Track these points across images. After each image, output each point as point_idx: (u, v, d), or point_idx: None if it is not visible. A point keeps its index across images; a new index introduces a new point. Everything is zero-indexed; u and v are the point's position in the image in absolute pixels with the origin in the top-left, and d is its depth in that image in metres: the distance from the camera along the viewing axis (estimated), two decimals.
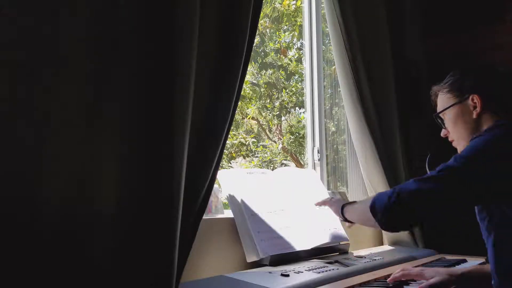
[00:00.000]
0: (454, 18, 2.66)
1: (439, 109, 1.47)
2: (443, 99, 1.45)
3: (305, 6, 2.31)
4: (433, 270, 1.40)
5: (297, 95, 5.85)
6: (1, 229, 0.81)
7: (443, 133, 1.47)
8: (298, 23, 5.40)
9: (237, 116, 5.47)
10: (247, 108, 5.57)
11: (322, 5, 2.28)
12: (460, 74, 1.44)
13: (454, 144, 1.44)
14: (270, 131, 6.19)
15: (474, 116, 1.35)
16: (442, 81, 1.48)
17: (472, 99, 1.36)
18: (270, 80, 5.71)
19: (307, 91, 2.28)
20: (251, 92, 5.50)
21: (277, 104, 5.76)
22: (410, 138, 2.27)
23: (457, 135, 1.40)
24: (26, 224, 0.84)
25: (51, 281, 0.86)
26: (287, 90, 5.85)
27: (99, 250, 0.93)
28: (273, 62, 5.78)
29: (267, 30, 5.66)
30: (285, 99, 5.75)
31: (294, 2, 5.29)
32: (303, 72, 5.48)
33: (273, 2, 5.24)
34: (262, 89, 5.68)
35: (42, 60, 0.88)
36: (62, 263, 0.87)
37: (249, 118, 5.81)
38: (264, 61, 5.65)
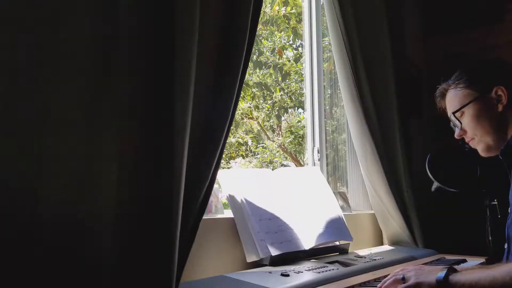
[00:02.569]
0: (454, 18, 2.66)
1: (455, 107, 1.37)
2: (459, 96, 1.36)
3: (305, 5, 2.31)
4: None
5: (296, 95, 5.85)
6: (1, 229, 0.81)
7: (457, 133, 1.39)
8: (292, 25, 5.43)
9: (237, 116, 5.48)
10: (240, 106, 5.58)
11: (322, 5, 2.28)
12: (476, 68, 1.37)
13: (473, 143, 1.37)
14: (273, 131, 6.20)
15: (500, 109, 1.29)
16: (448, 80, 1.41)
17: (496, 92, 1.29)
18: (262, 81, 5.72)
19: (307, 91, 2.28)
20: (242, 91, 5.50)
21: (270, 104, 5.77)
22: (410, 138, 2.27)
23: (480, 132, 1.33)
24: (26, 224, 0.84)
25: (51, 281, 0.86)
26: (285, 91, 5.86)
27: (99, 250, 0.93)
28: (267, 61, 5.79)
29: (262, 32, 5.69)
30: (280, 99, 5.76)
31: (284, 8, 5.33)
32: (302, 72, 5.50)
33: (263, 6, 5.27)
34: (255, 89, 5.70)
35: (42, 60, 0.88)
36: (62, 263, 0.87)
37: (246, 118, 5.81)
38: (258, 59, 5.66)
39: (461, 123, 1.37)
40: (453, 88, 1.38)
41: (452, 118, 1.39)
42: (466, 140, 1.39)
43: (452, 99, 1.39)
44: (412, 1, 2.66)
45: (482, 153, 1.37)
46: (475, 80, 1.34)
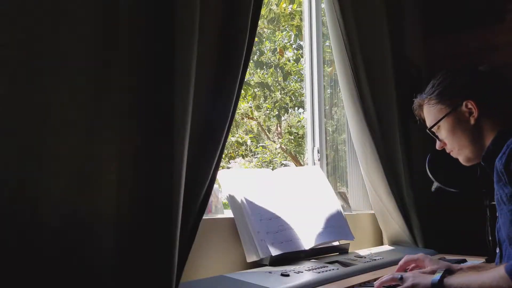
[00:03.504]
0: (454, 18, 2.66)
1: (430, 122, 1.40)
2: (432, 111, 1.39)
3: (305, 6, 2.31)
4: (432, 260, 1.40)
5: (296, 95, 5.86)
6: (1, 229, 0.81)
7: (438, 145, 1.41)
8: (296, 23, 5.43)
9: (237, 116, 5.48)
10: (241, 106, 5.58)
11: (322, 5, 2.28)
12: (446, 81, 1.38)
13: (453, 154, 1.39)
14: (269, 131, 6.20)
15: (472, 122, 1.30)
16: (423, 92, 1.43)
17: (466, 105, 1.31)
18: (263, 80, 5.73)
19: (307, 91, 2.28)
20: (242, 91, 5.50)
21: (270, 104, 5.77)
22: (410, 138, 2.27)
23: (458, 145, 1.35)
24: (26, 224, 0.84)
25: (51, 281, 0.86)
26: (285, 91, 5.86)
27: (99, 250, 0.93)
28: (269, 61, 5.79)
29: (265, 30, 5.69)
30: (280, 99, 5.76)
31: (290, 6, 5.34)
32: (302, 72, 5.50)
33: (269, 4, 5.28)
34: (256, 89, 5.70)
35: (42, 60, 0.88)
36: (62, 263, 0.87)
37: (246, 118, 5.81)
38: (260, 60, 5.66)
39: (438, 137, 1.39)
40: (427, 103, 1.41)
41: (429, 133, 1.41)
42: (447, 151, 1.40)
43: (427, 114, 1.42)
44: (412, 1, 2.66)
45: (463, 163, 1.39)
46: (445, 95, 1.35)
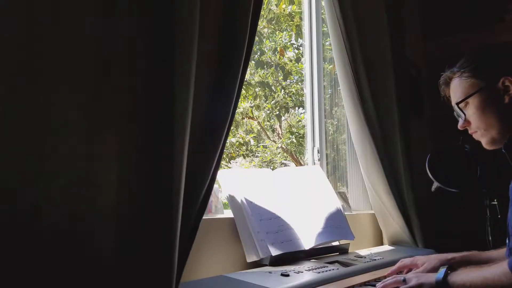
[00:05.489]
0: (454, 18, 2.66)
1: (459, 96, 1.30)
2: (464, 86, 1.29)
3: (305, 6, 2.31)
4: (424, 257, 1.42)
5: (297, 95, 5.86)
6: (1, 229, 0.81)
7: (461, 124, 1.32)
8: (295, 22, 5.44)
9: (237, 116, 5.48)
10: (241, 105, 5.59)
11: (322, 5, 2.28)
12: (483, 56, 1.31)
13: (476, 135, 1.32)
14: (273, 131, 6.20)
15: (506, 101, 1.22)
16: (454, 67, 1.35)
17: (503, 82, 1.22)
18: (264, 80, 5.73)
19: (307, 91, 2.29)
20: (244, 91, 5.51)
21: (272, 103, 5.77)
22: (410, 138, 2.27)
23: (485, 124, 1.27)
24: (26, 224, 0.84)
25: (51, 281, 0.86)
26: (286, 91, 5.86)
27: (99, 250, 0.93)
28: (270, 61, 5.80)
29: (265, 30, 5.69)
30: (282, 98, 5.76)
31: (290, 6, 5.35)
32: (302, 72, 5.50)
33: (269, 4, 5.29)
34: (257, 89, 5.70)
35: (42, 60, 0.88)
36: (62, 263, 0.87)
37: (246, 117, 5.81)
38: (260, 59, 5.67)
39: (465, 114, 1.31)
40: (458, 76, 1.32)
41: (456, 108, 1.33)
42: (470, 131, 1.34)
43: (457, 88, 1.33)
44: (412, 1, 2.66)
45: (486, 146, 1.32)
46: (482, 69, 1.28)
